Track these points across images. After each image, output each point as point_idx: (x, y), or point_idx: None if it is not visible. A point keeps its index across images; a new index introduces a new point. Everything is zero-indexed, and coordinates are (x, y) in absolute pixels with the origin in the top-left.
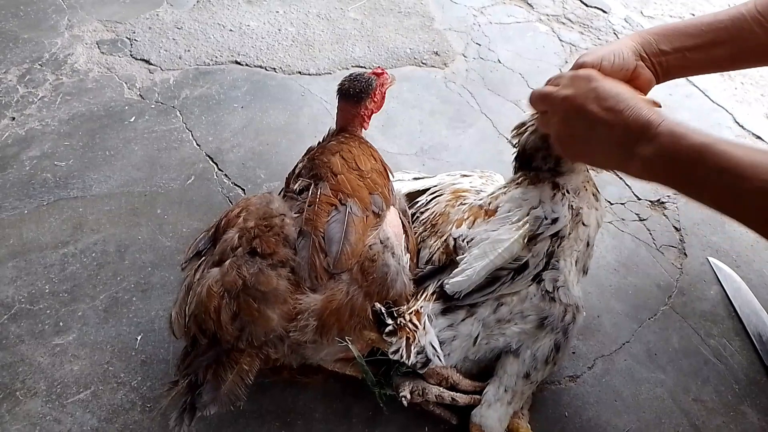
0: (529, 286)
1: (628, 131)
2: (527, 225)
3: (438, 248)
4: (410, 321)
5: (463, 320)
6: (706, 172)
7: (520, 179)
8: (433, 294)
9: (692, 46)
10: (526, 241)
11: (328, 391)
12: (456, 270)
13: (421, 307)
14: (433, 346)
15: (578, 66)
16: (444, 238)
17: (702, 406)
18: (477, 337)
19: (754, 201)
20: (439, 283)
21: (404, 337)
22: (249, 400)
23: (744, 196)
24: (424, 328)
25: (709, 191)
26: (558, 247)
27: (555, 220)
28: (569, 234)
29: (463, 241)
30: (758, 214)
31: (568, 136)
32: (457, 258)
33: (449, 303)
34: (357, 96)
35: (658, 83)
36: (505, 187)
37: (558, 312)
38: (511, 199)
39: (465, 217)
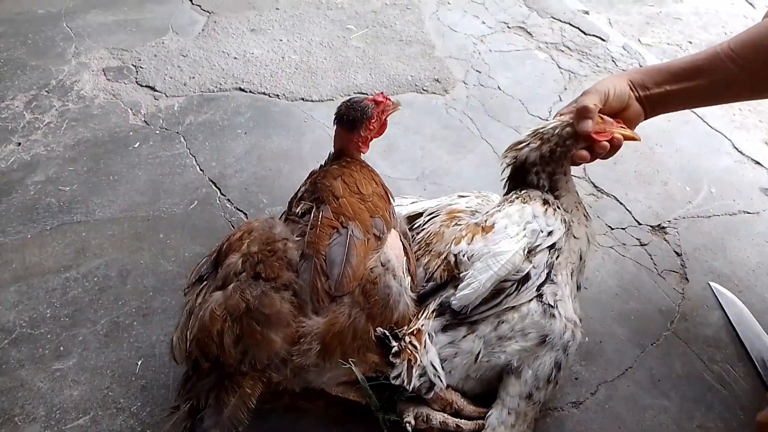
0: (531, 302)
1: None
2: (525, 238)
3: (438, 265)
4: (410, 343)
5: (464, 337)
6: None
7: (513, 198)
8: (433, 312)
9: (673, 81)
10: (526, 253)
11: (329, 417)
12: (461, 284)
13: (422, 326)
14: (433, 366)
15: (581, 106)
16: (443, 255)
17: None
18: (478, 355)
19: None
20: (440, 300)
21: (406, 360)
22: (248, 426)
23: None
24: (424, 347)
25: None
26: (556, 259)
27: (551, 233)
28: (564, 245)
29: (463, 256)
30: None
31: None
32: (460, 274)
33: (450, 320)
34: (351, 124)
35: (645, 118)
36: (499, 205)
37: (558, 329)
38: (506, 215)
39: (464, 235)
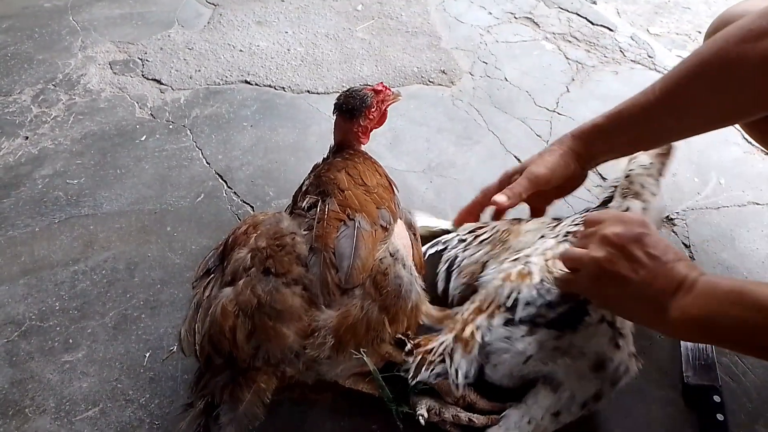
0: (601, 323)
1: (665, 286)
2: None
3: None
4: (424, 350)
5: (522, 337)
6: (744, 311)
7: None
8: (499, 307)
9: (612, 138)
10: None
11: (337, 410)
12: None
13: (477, 328)
14: (457, 372)
15: (531, 178)
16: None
17: None
18: (529, 358)
19: None
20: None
21: (420, 356)
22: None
23: None
24: (469, 351)
25: (748, 331)
26: None
27: None
28: None
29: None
30: None
31: (600, 295)
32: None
33: (513, 315)
34: (350, 112)
35: (585, 170)
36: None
37: (618, 359)
38: None
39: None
